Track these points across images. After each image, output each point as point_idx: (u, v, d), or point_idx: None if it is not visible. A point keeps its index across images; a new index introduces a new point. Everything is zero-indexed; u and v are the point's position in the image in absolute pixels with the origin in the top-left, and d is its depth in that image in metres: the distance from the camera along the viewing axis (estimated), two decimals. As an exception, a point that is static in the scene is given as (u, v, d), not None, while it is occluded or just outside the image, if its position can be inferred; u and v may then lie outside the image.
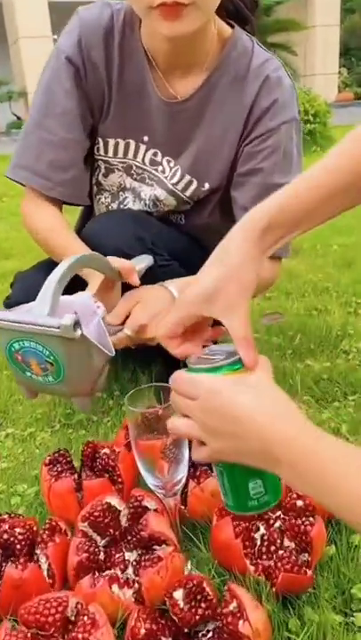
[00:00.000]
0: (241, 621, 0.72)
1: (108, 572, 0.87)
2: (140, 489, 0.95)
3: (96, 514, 0.91)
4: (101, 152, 1.30)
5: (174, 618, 0.78)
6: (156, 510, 0.92)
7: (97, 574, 0.86)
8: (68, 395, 0.91)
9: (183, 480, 0.88)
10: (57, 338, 0.82)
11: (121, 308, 1.02)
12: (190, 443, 0.77)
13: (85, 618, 0.77)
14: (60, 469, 1.03)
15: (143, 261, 1.09)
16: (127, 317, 1.02)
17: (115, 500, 0.95)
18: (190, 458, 0.97)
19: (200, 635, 0.78)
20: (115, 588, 0.83)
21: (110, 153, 1.29)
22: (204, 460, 0.68)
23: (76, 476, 1.02)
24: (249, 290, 0.69)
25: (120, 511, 0.95)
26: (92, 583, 0.84)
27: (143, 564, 0.84)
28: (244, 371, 0.65)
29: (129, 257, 1.08)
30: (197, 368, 0.67)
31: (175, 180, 1.27)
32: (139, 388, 0.88)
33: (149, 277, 1.11)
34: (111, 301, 1.04)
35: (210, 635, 0.77)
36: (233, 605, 0.74)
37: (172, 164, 1.27)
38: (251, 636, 0.71)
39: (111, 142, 1.28)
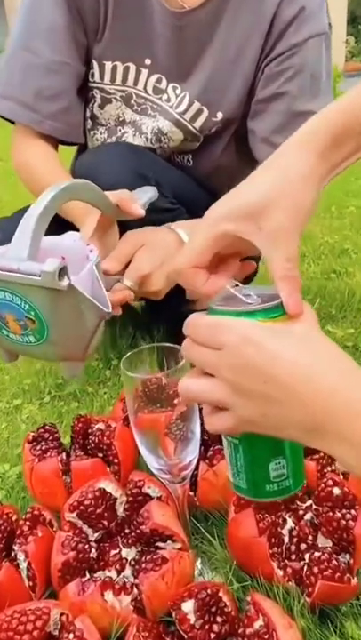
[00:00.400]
0: (270, 645, 0.56)
1: (100, 573, 0.71)
2: (141, 472, 0.78)
3: (87, 502, 0.75)
4: (97, 78, 1.11)
5: (183, 635, 0.62)
6: (159, 499, 0.75)
7: (87, 576, 0.70)
8: (54, 358, 0.73)
9: (193, 463, 0.71)
10: (38, 288, 0.64)
11: (120, 251, 0.83)
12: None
13: (71, 636, 0.61)
14: (44, 447, 0.86)
15: (146, 194, 0.90)
16: (128, 265, 0.84)
17: (110, 486, 0.78)
18: (202, 435, 0.80)
19: (215, 656, 0.62)
20: (108, 595, 0.67)
21: (107, 79, 1.10)
22: (226, 430, 0.53)
23: (64, 455, 0.86)
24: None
25: (116, 499, 0.78)
26: (80, 589, 0.67)
27: (144, 565, 0.68)
28: (286, 319, 0.49)
29: None
30: (223, 310, 0.49)
31: (182, 108, 1.07)
32: (138, 349, 0.71)
33: (150, 225, 0.92)
34: (107, 247, 0.86)
35: (228, 657, 0.61)
36: (259, 623, 0.58)
37: (178, 91, 1.08)
38: (283, 665, 0.55)
39: (108, 65, 1.09)
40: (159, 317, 1.38)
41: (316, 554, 0.65)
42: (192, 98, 1.06)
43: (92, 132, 1.18)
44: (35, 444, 0.88)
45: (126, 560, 0.73)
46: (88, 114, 1.16)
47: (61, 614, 0.65)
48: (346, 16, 15.50)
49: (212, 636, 0.61)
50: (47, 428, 0.90)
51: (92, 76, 1.11)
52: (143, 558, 0.69)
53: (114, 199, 0.80)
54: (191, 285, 0.55)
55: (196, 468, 0.78)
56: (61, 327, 0.67)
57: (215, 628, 0.62)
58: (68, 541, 0.72)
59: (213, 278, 0.55)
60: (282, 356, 0.46)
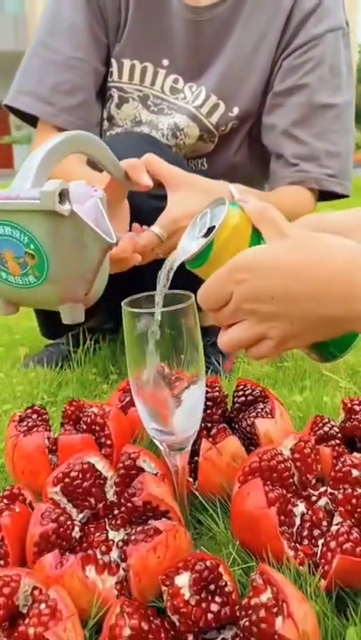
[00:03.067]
0: (280, 618, 0.47)
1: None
2: (136, 446, 0.70)
3: (73, 474, 0.67)
4: (115, 77, 1.11)
5: (173, 618, 0.52)
6: (155, 476, 0.67)
7: (67, 554, 0.61)
8: (55, 301, 0.67)
9: (195, 433, 0.63)
10: (38, 216, 0.60)
11: (161, 167, 0.79)
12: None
13: (42, 606, 0.52)
14: (31, 424, 0.78)
15: None
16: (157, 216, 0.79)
17: (100, 463, 0.70)
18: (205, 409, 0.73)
19: (212, 644, 0.52)
20: (90, 571, 0.58)
21: (125, 77, 1.11)
22: (273, 354, 0.58)
23: (51, 434, 0.78)
24: None
25: (106, 479, 0.70)
26: (57, 562, 0.58)
27: (133, 537, 0.59)
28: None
29: None
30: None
31: (199, 102, 1.07)
32: (132, 298, 0.63)
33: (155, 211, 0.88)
34: (118, 222, 0.82)
35: (227, 644, 0.51)
36: (266, 596, 0.49)
37: (194, 89, 1.08)
38: (295, 641, 0.45)
39: (126, 64, 1.10)
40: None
41: (334, 527, 0.56)
42: (208, 91, 1.06)
43: (107, 133, 1.17)
44: (20, 422, 0.80)
45: (113, 542, 0.63)
46: (105, 114, 1.16)
47: (33, 587, 0.55)
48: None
49: (210, 616, 0.52)
50: (35, 408, 0.83)
51: (111, 75, 1.12)
52: (133, 531, 0.60)
53: (124, 165, 0.77)
54: None
55: (196, 445, 0.71)
56: (62, 261, 0.62)
57: (213, 607, 0.52)
58: (48, 513, 0.63)
59: None
60: (277, 266, 0.53)
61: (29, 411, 0.82)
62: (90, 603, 0.56)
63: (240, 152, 1.11)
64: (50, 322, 1.33)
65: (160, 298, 0.60)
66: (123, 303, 0.61)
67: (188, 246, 0.60)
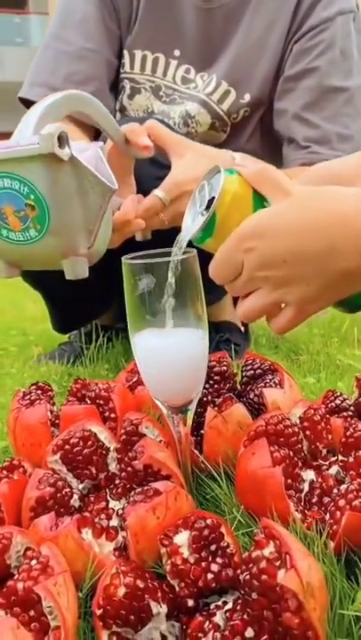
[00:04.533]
0: (282, 571, 0.43)
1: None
2: (139, 413, 0.68)
3: (73, 441, 0.64)
4: (127, 68, 1.12)
5: (173, 581, 0.49)
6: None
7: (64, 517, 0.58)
8: (57, 255, 0.66)
9: (198, 393, 0.61)
10: (38, 161, 0.59)
11: (160, 133, 0.78)
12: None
13: (34, 562, 0.49)
14: (33, 398, 0.77)
15: None
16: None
17: (103, 434, 0.68)
18: (212, 383, 0.71)
19: (212, 607, 0.49)
20: (87, 533, 0.55)
21: (137, 68, 1.11)
22: (296, 323, 0.56)
23: (55, 407, 0.76)
24: None
25: (109, 450, 0.67)
26: (53, 523, 0.56)
27: (132, 498, 0.56)
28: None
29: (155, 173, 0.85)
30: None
31: (210, 89, 1.06)
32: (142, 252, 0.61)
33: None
34: (123, 190, 0.81)
35: (228, 606, 0.48)
36: (268, 549, 0.45)
37: (205, 77, 1.07)
38: (299, 594, 0.42)
39: (138, 55, 1.10)
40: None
41: (343, 486, 0.53)
42: (219, 78, 1.06)
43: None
44: (24, 396, 0.78)
45: (113, 510, 0.61)
46: (117, 106, 1.17)
47: (26, 547, 0.53)
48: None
49: (210, 577, 0.49)
50: (40, 384, 0.81)
51: (123, 66, 1.12)
52: (132, 493, 0.57)
53: (123, 130, 0.77)
54: None
55: (203, 415, 0.68)
56: (63, 210, 0.61)
57: (214, 567, 0.49)
58: (46, 477, 0.61)
59: None
60: (284, 227, 0.52)
61: (34, 387, 0.80)
62: (85, 566, 0.53)
63: (252, 141, 1.10)
64: (62, 313, 1.32)
65: (171, 289, 0.57)
66: (123, 257, 0.59)
67: (191, 224, 0.59)
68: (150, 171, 0.87)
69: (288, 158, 1.05)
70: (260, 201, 0.56)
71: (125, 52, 1.11)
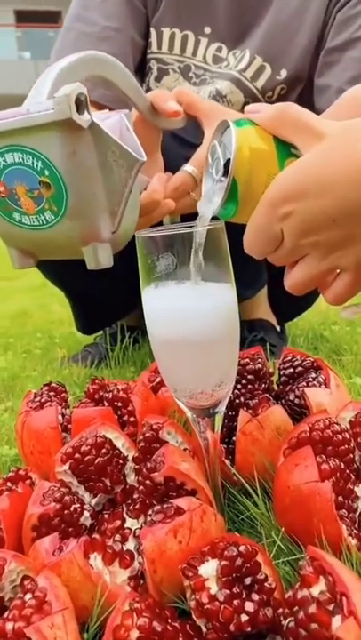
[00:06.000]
0: (338, 617, 0.34)
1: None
2: (160, 416, 0.59)
3: (85, 449, 0.56)
4: (154, 47, 1.04)
5: (198, 621, 0.40)
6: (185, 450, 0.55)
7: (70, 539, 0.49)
8: (77, 242, 0.58)
9: (228, 391, 0.51)
10: (53, 129, 0.51)
11: (188, 98, 0.69)
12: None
13: (28, 597, 0.40)
14: (44, 400, 0.68)
15: None
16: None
17: (120, 441, 0.59)
18: (245, 384, 0.61)
19: (247, 656, 0.39)
20: (96, 560, 0.46)
21: (165, 47, 1.03)
22: (354, 291, 0.46)
23: (67, 411, 0.67)
24: None
25: (126, 459, 0.58)
26: (56, 547, 0.47)
27: (150, 518, 0.47)
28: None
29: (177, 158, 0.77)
30: None
31: (243, 65, 0.97)
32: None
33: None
34: (150, 169, 0.73)
35: (267, 656, 0.38)
36: (319, 587, 0.36)
37: (237, 54, 0.98)
38: (360, 650, 0.32)
39: (166, 33, 1.02)
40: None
41: None
42: (253, 53, 0.96)
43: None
44: (34, 397, 0.70)
45: (130, 530, 0.52)
46: (144, 88, 1.09)
47: (23, 574, 0.44)
48: None
49: (244, 618, 0.39)
50: (53, 385, 0.73)
51: (150, 46, 1.04)
52: (150, 511, 0.48)
53: (149, 97, 0.69)
54: None
55: (235, 420, 0.58)
56: (83, 188, 0.53)
57: (248, 607, 0.39)
58: (52, 491, 0.52)
59: None
60: (325, 180, 0.41)
61: (46, 388, 0.72)
62: (93, 599, 0.44)
63: None
64: (86, 312, 1.24)
65: (197, 262, 0.48)
66: (137, 233, 0.50)
67: (211, 194, 0.49)
68: (178, 150, 0.79)
69: None
70: (286, 151, 0.46)
71: (152, 31, 1.03)
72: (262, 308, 1.23)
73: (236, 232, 0.49)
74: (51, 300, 2.20)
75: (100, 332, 1.36)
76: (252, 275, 1.12)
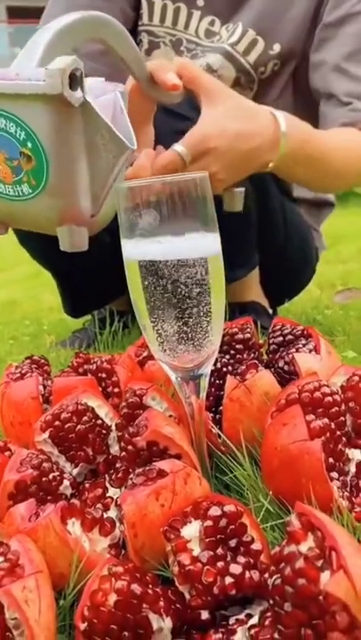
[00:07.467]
0: (327, 573, 0.31)
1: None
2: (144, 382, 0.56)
3: (65, 416, 0.53)
4: (145, 19, 1.01)
5: (181, 587, 0.37)
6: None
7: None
8: (53, 220, 0.55)
9: (216, 348, 0.49)
10: (41, 101, 0.49)
11: (190, 71, 0.68)
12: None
13: (0, 559, 0.38)
14: (24, 371, 0.66)
15: None
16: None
17: (103, 410, 0.57)
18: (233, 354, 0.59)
19: (232, 622, 0.37)
20: (74, 525, 0.44)
21: (156, 19, 1.01)
22: None
23: (49, 382, 0.65)
24: None
25: (110, 428, 0.56)
26: (32, 512, 0.44)
27: (131, 481, 0.44)
28: None
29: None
30: None
31: (235, 38, 0.95)
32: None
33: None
34: (140, 142, 0.70)
35: (254, 620, 0.36)
36: (307, 544, 0.33)
37: (230, 27, 0.96)
38: (351, 605, 0.30)
39: (157, 4, 1.00)
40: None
41: None
42: (245, 26, 0.94)
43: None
44: (14, 369, 0.67)
45: (112, 499, 0.49)
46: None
47: (-4, 541, 0.42)
48: None
49: (228, 580, 0.37)
50: (35, 358, 0.70)
51: (141, 17, 1.02)
52: (131, 475, 0.46)
53: (149, 67, 0.66)
54: None
55: (222, 388, 0.56)
56: (66, 167, 0.50)
57: (234, 569, 0.37)
58: (30, 458, 0.50)
59: None
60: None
61: (27, 360, 0.70)
62: (71, 566, 0.42)
63: (282, 101, 0.98)
64: (73, 294, 1.22)
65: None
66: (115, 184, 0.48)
67: None
68: (170, 123, 0.76)
69: (327, 118, 0.93)
70: None
71: (143, 2, 1.00)
72: (254, 290, 1.20)
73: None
74: (42, 289, 2.17)
75: (90, 318, 1.33)
76: (242, 255, 1.10)
